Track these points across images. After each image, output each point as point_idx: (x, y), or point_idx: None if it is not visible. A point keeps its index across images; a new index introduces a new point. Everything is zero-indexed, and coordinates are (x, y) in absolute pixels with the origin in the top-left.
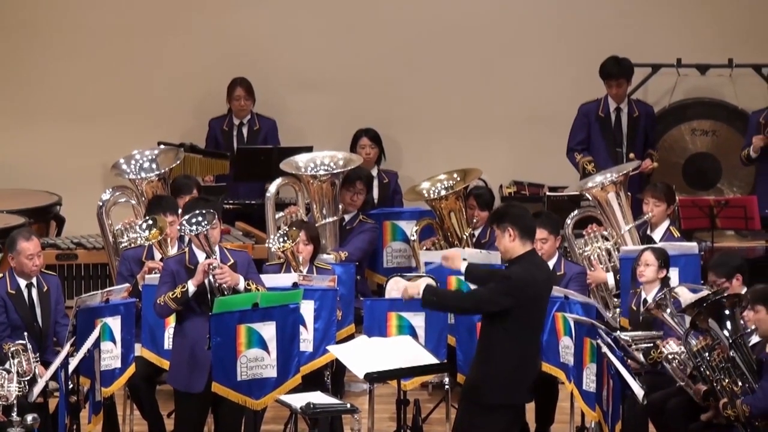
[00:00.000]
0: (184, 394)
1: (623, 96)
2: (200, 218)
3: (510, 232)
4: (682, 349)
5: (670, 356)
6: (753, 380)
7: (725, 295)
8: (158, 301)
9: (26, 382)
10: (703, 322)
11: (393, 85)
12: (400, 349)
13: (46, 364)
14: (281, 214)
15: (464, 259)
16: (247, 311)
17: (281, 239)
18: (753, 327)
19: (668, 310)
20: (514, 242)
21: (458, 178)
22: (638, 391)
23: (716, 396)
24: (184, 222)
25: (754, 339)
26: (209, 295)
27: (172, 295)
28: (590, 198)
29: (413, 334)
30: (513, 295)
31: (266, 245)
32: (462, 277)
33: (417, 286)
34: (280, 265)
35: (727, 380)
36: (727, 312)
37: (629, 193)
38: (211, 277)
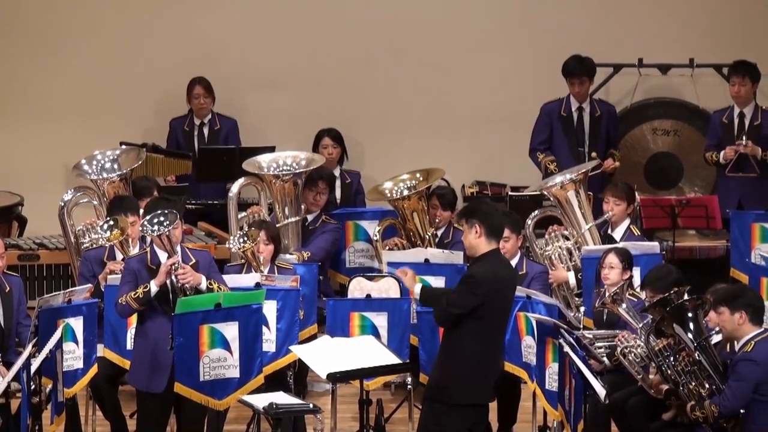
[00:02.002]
0: (146, 394)
1: (585, 95)
2: (162, 218)
3: (477, 229)
4: (638, 342)
5: (625, 350)
6: (720, 381)
7: (687, 298)
8: (120, 301)
9: None
10: (668, 327)
11: (355, 84)
12: (363, 349)
13: (8, 365)
14: (243, 214)
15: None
16: (210, 311)
17: (241, 240)
18: (717, 328)
19: (623, 305)
20: (480, 239)
21: (421, 178)
22: (600, 390)
23: (679, 397)
24: (146, 222)
25: (716, 338)
26: (171, 295)
27: (134, 295)
28: (551, 197)
29: (376, 334)
30: (477, 293)
31: (227, 246)
32: (424, 277)
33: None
34: (241, 265)
35: (693, 383)
36: (690, 315)
37: (590, 193)
38: (173, 277)
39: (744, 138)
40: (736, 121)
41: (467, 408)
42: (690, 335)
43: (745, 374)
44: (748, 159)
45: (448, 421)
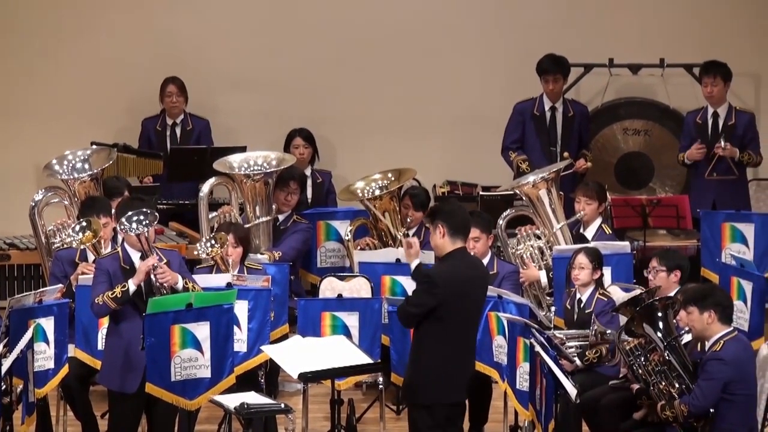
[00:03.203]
0: (118, 394)
1: (559, 94)
2: (142, 217)
3: (440, 229)
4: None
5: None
6: (689, 381)
7: (658, 297)
8: (96, 301)
9: None
10: (638, 327)
11: (327, 85)
12: (334, 349)
13: None
14: (214, 214)
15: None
16: (181, 311)
17: (209, 244)
18: (687, 328)
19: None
20: (444, 239)
21: (393, 178)
22: (571, 390)
23: (650, 396)
24: (124, 221)
25: (687, 338)
26: (145, 295)
27: (112, 294)
28: (523, 196)
29: (347, 333)
30: (434, 293)
31: (195, 252)
32: (396, 277)
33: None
34: (210, 267)
35: (664, 383)
36: (660, 314)
37: (561, 193)
38: (152, 276)
39: (722, 140)
40: (710, 121)
41: (438, 407)
42: (659, 335)
43: (715, 373)
44: (726, 161)
45: (422, 421)
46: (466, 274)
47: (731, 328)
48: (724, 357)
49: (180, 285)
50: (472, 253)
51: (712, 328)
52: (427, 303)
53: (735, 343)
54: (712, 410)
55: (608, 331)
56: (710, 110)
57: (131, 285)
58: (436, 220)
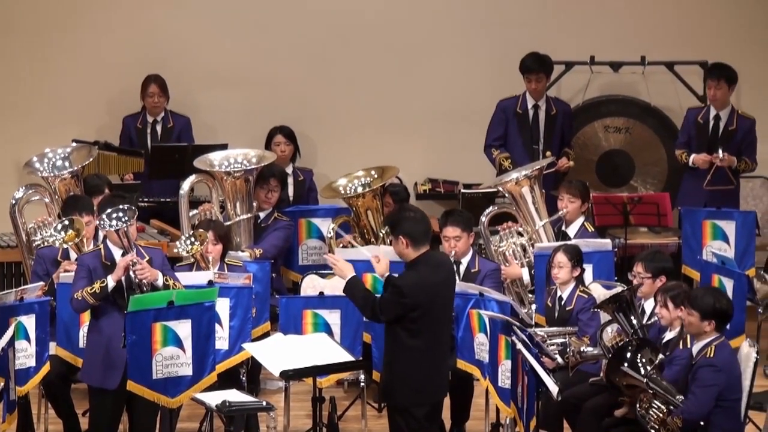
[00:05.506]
0: (99, 390)
1: (542, 92)
2: (121, 214)
3: (402, 240)
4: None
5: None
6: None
7: (625, 288)
8: (76, 296)
9: None
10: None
11: (307, 82)
12: (316, 347)
13: None
14: (195, 211)
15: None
16: (163, 309)
17: (188, 242)
18: (663, 322)
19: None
20: (408, 249)
21: (376, 176)
22: (553, 387)
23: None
24: (104, 217)
25: (669, 335)
26: (126, 292)
27: (91, 290)
28: (505, 194)
29: (329, 331)
30: (403, 303)
31: (174, 250)
32: (377, 275)
33: (347, 272)
34: (191, 265)
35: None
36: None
37: (543, 191)
38: (131, 272)
39: (720, 151)
40: (711, 123)
41: (415, 408)
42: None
43: (709, 380)
44: (724, 171)
45: (401, 422)
46: (433, 279)
47: (718, 335)
48: (717, 364)
49: (160, 282)
50: (452, 253)
51: (707, 334)
52: (395, 311)
53: (724, 349)
54: (702, 423)
55: (584, 349)
56: (712, 111)
57: (110, 281)
58: (398, 233)
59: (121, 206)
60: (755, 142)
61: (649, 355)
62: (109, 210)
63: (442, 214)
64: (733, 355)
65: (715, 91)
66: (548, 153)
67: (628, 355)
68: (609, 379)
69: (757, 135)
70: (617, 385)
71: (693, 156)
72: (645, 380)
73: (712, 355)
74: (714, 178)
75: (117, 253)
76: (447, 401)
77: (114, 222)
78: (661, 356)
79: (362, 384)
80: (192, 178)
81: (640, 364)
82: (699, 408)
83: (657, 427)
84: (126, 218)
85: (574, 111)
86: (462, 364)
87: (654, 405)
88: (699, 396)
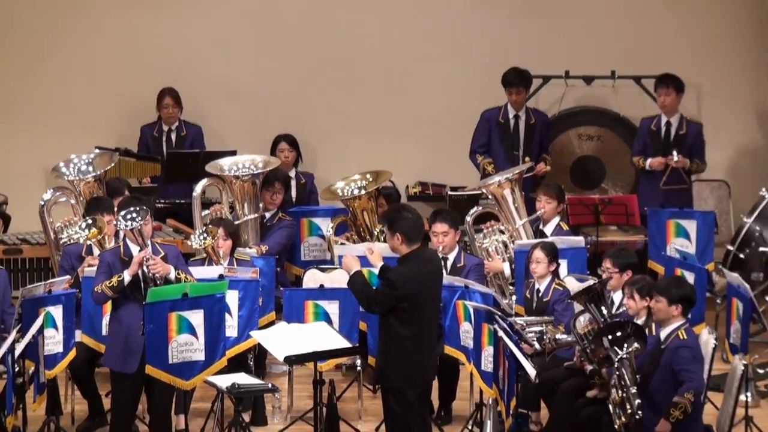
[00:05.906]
0: (120, 374)
1: (522, 104)
2: (134, 214)
3: (398, 237)
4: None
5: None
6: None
7: (596, 281)
8: (96, 289)
9: None
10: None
11: (308, 94)
12: (316, 334)
13: None
14: (207, 212)
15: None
16: (178, 300)
17: (202, 237)
18: (630, 312)
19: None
20: (402, 245)
21: (371, 179)
22: (531, 371)
23: (601, 376)
24: (120, 218)
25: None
26: (143, 285)
27: (109, 283)
28: (488, 195)
29: (328, 320)
30: (395, 295)
31: (189, 244)
32: (372, 269)
33: (353, 266)
34: (203, 260)
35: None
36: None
37: (523, 192)
38: (145, 267)
39: (674, 153)
40: (663, 129)
41: (406, 389)
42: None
43: (692, 357)
44: (678, 172)
45: (394, 403)
46: (423, 273)
47: (684, 320)
48: (691, 345)
49: (172, 276)
50: (440, 247)
51: (674, 319)
52: (388, 303)
53: (692, 333)
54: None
55: (559, 336)
56: (663, 119)
57: (126, 275)
58: (394, 230)
59: (135, 207)
60: (704, 145)
61: (633, 343)
62: (124, 211)
63: (431, 212)
64: (697, 339)
65: (664, 98)
66: (527, 159)
67: (618, 333)
68: (585, 352)
69: (707, 141)
70: (593, 361)
71: (649, 160)
72: (618, 358)
73: (684, 337)
74: (669, 179)
75: (134, 250)
76: (435, 384)
77: (129, 222)
78: (636, 345)
79: (358, 368)
80: (204, 181)
81: (624, 345)
82: (699, 380)
83: (617, 410)
84: (139, 218)
85: (550, 120)
86: (449, 350)
87: (615, 386)
88: (696, 371)
